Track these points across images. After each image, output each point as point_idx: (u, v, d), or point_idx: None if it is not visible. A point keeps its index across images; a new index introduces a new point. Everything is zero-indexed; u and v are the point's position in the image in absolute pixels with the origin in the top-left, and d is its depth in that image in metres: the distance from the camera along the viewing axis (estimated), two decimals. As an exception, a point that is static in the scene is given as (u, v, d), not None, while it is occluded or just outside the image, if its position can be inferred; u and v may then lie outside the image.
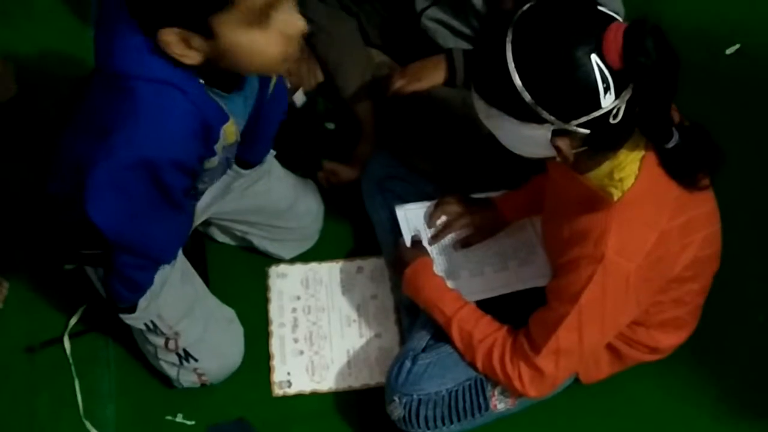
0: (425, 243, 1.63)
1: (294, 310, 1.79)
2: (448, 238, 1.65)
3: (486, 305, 1.50)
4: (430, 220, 1.66)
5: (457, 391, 1.45)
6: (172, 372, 1.63)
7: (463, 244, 1.63)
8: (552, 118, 1.14)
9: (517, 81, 1.13)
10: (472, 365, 1.44)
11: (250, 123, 1.40)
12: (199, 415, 1.67)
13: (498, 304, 1.53)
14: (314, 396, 1.69)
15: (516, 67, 1.13)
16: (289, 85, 1.77)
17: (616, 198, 1.23)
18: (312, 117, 1.97)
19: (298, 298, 1.80)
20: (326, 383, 1.70)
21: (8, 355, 1.73)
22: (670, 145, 1.19)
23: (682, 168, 1.23)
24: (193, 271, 1.66)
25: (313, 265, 1.83)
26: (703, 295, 1.43)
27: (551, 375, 1.35)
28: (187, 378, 1.63)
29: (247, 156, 1.59)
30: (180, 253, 1.56)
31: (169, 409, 1.67)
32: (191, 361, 1.61)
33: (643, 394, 1.65)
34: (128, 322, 1.53)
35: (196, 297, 1.62)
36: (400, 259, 1.56)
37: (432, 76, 1.59)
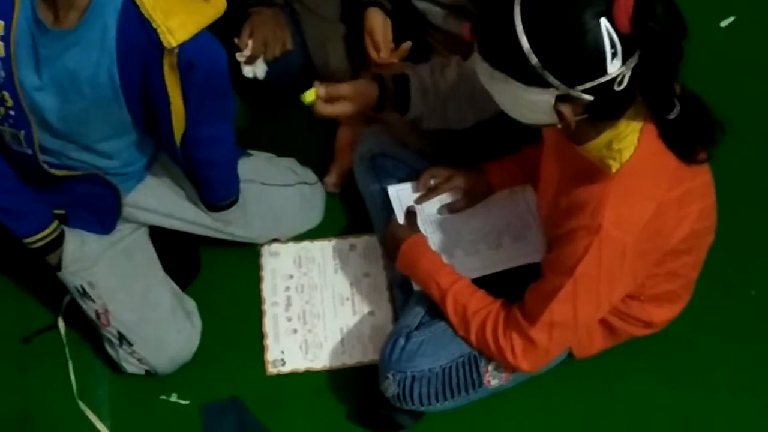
0: (418, 220, 1.62)
1: (287, 288, 1.78)
2: (437, 205, 1.64)
3: (480, 282, 1.49)
4: (418, 183, 1.65)
5: (450, 367, 1.45)
6: (112, 352, 1.65)
7: (451, 209, 1.63)
8: (557, 82, 1.13)
9: (525, 43, 1.12)
10: (466, 339, 1.43)
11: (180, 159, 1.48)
12: (193, 395, 1.67)
13: (493, 281, 1.52)
14: (308, 374, 1.69)
15: (524, 29, 1.12)
16: (245, 55, 1.75)
17: (614, 170, 1.22)
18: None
19: (291, 276, 1.80)
20: (320, 361, 1.70)
21: (2, 342, 1.73)
22: (672, 116, 1.18)
23: (682, 140, 1.22)
24: (151, 258, 1.69)
25: (306, 244, 1.83)
26: (696, 268, 1.43)
27: (544, 347, 1.35)
28: (129, 362, 1.64)
29: (203, 196, 1.63)
30: (132, 234, 1.65)
31: (163, 389, 1.67)
32: (125, 344, 1.62)
33: (636, 369, 1.65)
34: (61, 279, 1.62)
35: (137, 278, 1.64)
36: (394, 235, 1.55)
37: (360, 99, 1.55)
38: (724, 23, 2.08)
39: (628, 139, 1.22)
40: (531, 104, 1.17)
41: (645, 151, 1.22)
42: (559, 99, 1.15)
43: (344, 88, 1.51)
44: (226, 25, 1.35)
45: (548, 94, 1.15)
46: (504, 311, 1.39)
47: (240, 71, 1.78)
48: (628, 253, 1.25)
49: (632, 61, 1.12)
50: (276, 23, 1.82)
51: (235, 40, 1.77)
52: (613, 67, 1.11)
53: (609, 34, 1.09)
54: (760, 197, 1.83)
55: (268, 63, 1.80)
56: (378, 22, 1.76)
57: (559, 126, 1.19)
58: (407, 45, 1.77)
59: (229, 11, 1.34)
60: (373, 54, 1.77)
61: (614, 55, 1.10)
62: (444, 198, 1.66)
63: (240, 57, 1.77)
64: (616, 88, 1.13)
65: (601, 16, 1.09)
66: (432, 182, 1.65)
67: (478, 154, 1.72)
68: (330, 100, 1.51)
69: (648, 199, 1.23)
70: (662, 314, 1.49)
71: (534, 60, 1.12)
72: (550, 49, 1.12)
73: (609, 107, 1.18)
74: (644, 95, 1.17)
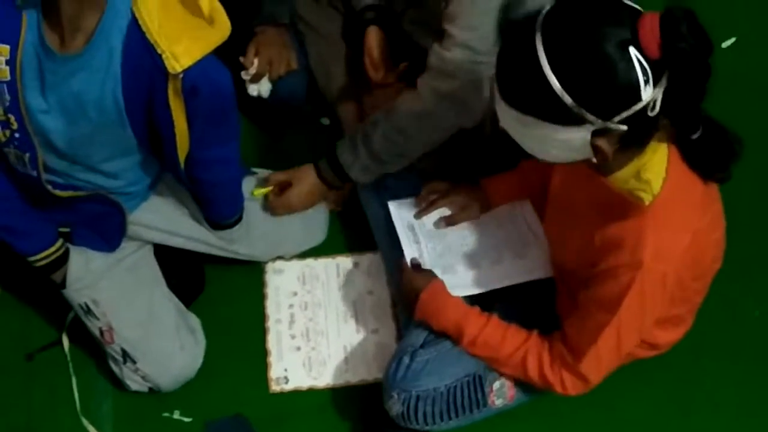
0: (418, 233, 1.63)
1: (291, 306, 1.78)
2: (435, 217, 1.65)
3: (478, 298, 1.51)
4: (418, 198, 1.67)
5: (455, 387, 1.45)
6: (116, 369, 1.65)
7: (448, 222, 1.63)
8: (593, 117, 1.11)
9: (556, 84, 1.10)
10: (503, 375, 1.44)
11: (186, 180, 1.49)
12: (196, 412, 1.67)
13: (490, 296, 1.54)
14: (311, 392, 1.69)
15: (552, 69, 1.10)
16: (250, 74, 1.77)
17: (647, 202, 1.21)
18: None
19: (295, 294, 1.80)
20: (323, 379, 1.70)
21: (6, 358, 1.73)
22: (696, 135, 1.18)
23: (707, 159, 1.22)
24: (155, 276, 1.69)
25: (310, 261, 1.83)
26: (703, 293, 1.43)
27: (595, 381, 1.37)
28: (133, 379, 1.64)
29: (207, 214, 1.64)
30: (136, 252, 1.66)
31: (167, 406, 1.67)
32: (129, 362, 1.62)
33: (641, 390, 1.66)
34: (65, 297, 1.62)
35: (141, 296, 1.64)
36: (411, 284, 1.53)
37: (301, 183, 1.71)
38: (725, 44, 2.09)
39: (656, 168, 1.21)
40: (564, 143, 1.16)
41: (674, 180, 1.21)
42: (595, 133, 1.13)
43: (282, 176, 1.71)
44: (232, 43, 1.36)
45: (584, 131, 1.13)
46: (544, 346, 1.39)
47: (245, 90, 1.79)
48: (668, 283, 1.25)
49: (662, 84, 1.11)
50: (281, 43, 1.83)
51: (241, 59, 1.78)
52: (647, 93, 1.10)
53: (639, 61, 1.08)
54: (764, 218, 1.85)
55: (272, 82, 1.82)
56: (376, 42, 1.78)
57: (594, 160, 1.18)
58: (403, 66, 1.79)
59: (234, 30, 1.34)
60: (371, 73, 1.79)
61: (646, 81, 1.09)
62: (444, 212, 1.66)
63: (245, 75, 1.78)
64: (650, 113, 1.12)
65: (628, 45, 1.08)
66: (431, 197, 1.66)
67: (480, 170, 1.73)
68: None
69: (684, 229, 1.23)
70: (667, 336, 1.49)
71: (568, 100, 1.10)
72: (583, 85, 1.10)
73: (641, 134, 1.17)
74: (672, 116, 1.16)
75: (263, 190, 1.73)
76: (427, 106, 1.55)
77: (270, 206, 1.74)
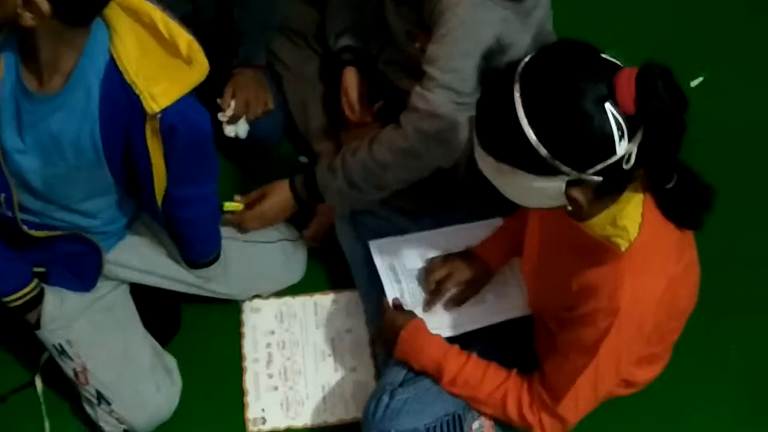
0: (410, 302, 1.60)
1: (268, 345, 1.77)
2: (418, 261, 1.64)
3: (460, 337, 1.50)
4: (423, 282, 1.62)
5: (435, 426, 1.44)
6: (90, 411, 1.63)
7: (457, 302, 1.59)
8: (568, 169, 1.13)
9: (532, 136, 1.11)
10: (483, 414, 1.44)
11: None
12: (173, 454, 1.65)
13: (470, 332, 1.54)
14: (289, 432, 1.68)
15: (529, 122, 1.11)
16: (228, 115, 1.78)
17: (623, 248, 1.23)
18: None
19: (273, 332, 1.79)
20: (301, 419, 1.69)
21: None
22: (671, 185, 1.20)
23: (681, 208, 1.24)
24: (131, 316, 1.68)
25: (287, 299, 1.83)
26: (679, 332, 1.45)
27: (573, 422, 1.38)
28: (107, 421, 1.61)
29: (184, 253, 1.63)
30: (112, 291, 1.65)
31: (142, 448, 1.65)
32: (103, 403, 1.60)
33: (619, 425, 1.66)
34: (39, 337, 1.60)
35: (116, 336, 1.63)
36: (392, 323, 1.52)
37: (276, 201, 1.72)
38: (694, 83, 2.13)
39: (632, 214, 1.22)
40: (540, 191, 1.17)
41: (649, 226, 1.23)
42: (570, 184, 1.15)
43: (254, 194, 1.72)
44: (209, 84, 1.37)
45: (559, 181, 1.15)
46: (523, 386, 1.39)
47: (222, 129, 1.80)
48: (645, 327, 1.27)
49: (638, 138, 1.13)
50: (258, 84, 1.85)
51: (218, 101, 1.79)
52: (622, 147, 1.12)
53: (615, 117, 1.10)
54: (736, 256, 1.87)
55: (249, 122, 1.82)
56: (353, 82, 1.81)
57: (569, 208, 1.19)
58: (378, 105, 1.82)
59: (211, 71, 1.35)
60: (348, 113, 1.81)
61: (621, 136, 1.11)
62: (424, 248, 1.65)
63: (222, 117, 1.79)
64: (625, 166, 1.13)
65: (604, 101, 1.10)
66: (434, 282, 1.59)
67: (456, 210, 1.74)
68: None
69: (660, 275, 1.24)
70: (644, 375, 1.50)
71: (543, 152, 1.12)
72: (559, 139, 1.11)
73: (616, 184, 1.19)
74: (646, 168, 1.18)
75: (234, 205, 1.72)
76: (411, 144, 1.56)
77: (242, 220, 1.72)
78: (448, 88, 1.50)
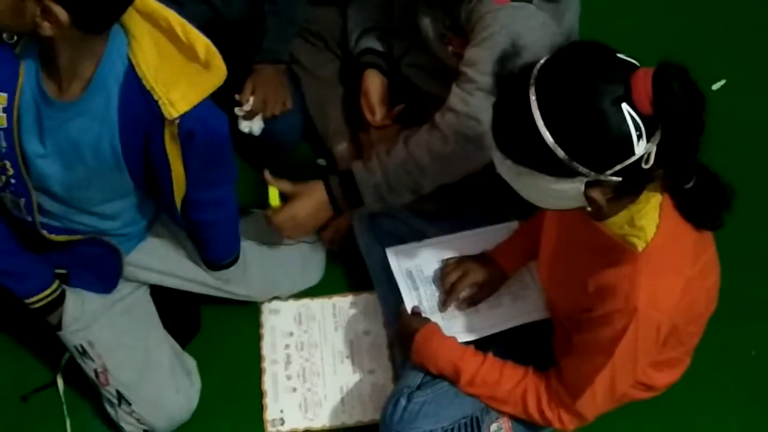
0: (424, 301, 1.61)
1: (287, 346, 1.78)
2: (435, 266, 1.65)
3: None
4: (439, 283, 1.62)
5: (452, 429, 1.45)
6: (111, 412, 1.64)
7: (471, 303, 1.60)
8: (586, 170, 1.13)
9: (549, 138, 1.11)
10: (503, 414, 1.44)
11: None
12: (192, 454, 1.66)
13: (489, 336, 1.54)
14: (308, 434, 1.68)
15: (545, 124, 1.11)
16: (245, 110, 1.78)
17: (640, 248, 1.23)
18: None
19: (291, 334, 1.80)
20: (319, 420, 1.69)
21: (0, 399, 1.72)
22: (689, 185, 1.19)
23: (700, 208, 1.23)
24: (151, 317, 1.69)
25: (306, 301, 1.83)
26: (698, 335, 1.44)
27: (591, 418, 1.40)
28: (127, 421, 1.63)
29: (204, 255, 1.64)
30: (132, 293, 1.66)
31: (162, 448, 1.66)
32: (124, 404, 1.61)
33: (639, 428, 1.65)
34: (60, 338, 1.62)
35: (137, 338, 1.64)
36: (407, 327, 1.53)
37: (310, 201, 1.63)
38: (715, 86, 2.12)
39: (650, 215, 1.22)
40: (559, 193, 1.17)
41: (667, 226, 1.22)
42: (589, 185, 1.15)
43: (288, 187, 1.64)
44: (229, 79, 1.37)
45: (578, 182, 1.14)
46: (541, 384, 1.40)
47: (237, 125, 1.80)
48: (662, 329, 1.26)
49: (656, 138, 1.12)
50: (278, 82, 1.85)
51: (236, 96, 1.80)
52: (640, 147, 1.11)
53: (632, 117, 1.09)
54: (757, 260, 1.86)
55: (266, 121, 1.83)
56: (374, 85, 1.80)
57: (589, 209, 1.19)
58: (399, 108, 1.81)
59: (232, 66, 1.35)
60: (368, 116, 1.81)
61: (639, 136, 1.10)
62: (441, 254, 1.66)
63: (239, 112, 1.79)
64: (644, 166, 1.13)
65: (621, 102, 1.09)
66: (449, 282, 1.60)
67: (476, 212, 1.74)
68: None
69: (677, 276, 1.24)
70: (664, 378, 1.49)
71: (561, 153, 1.12)
72: (576, 140, 1.11)
73: (635, 184, 1.18)
74: (665, 168, 1.17)
75: (276, 200, 1.64)
76: (453, 147, 1.53)
77: (275, 223, 1.65)
78: (488, 91, 1.48)
